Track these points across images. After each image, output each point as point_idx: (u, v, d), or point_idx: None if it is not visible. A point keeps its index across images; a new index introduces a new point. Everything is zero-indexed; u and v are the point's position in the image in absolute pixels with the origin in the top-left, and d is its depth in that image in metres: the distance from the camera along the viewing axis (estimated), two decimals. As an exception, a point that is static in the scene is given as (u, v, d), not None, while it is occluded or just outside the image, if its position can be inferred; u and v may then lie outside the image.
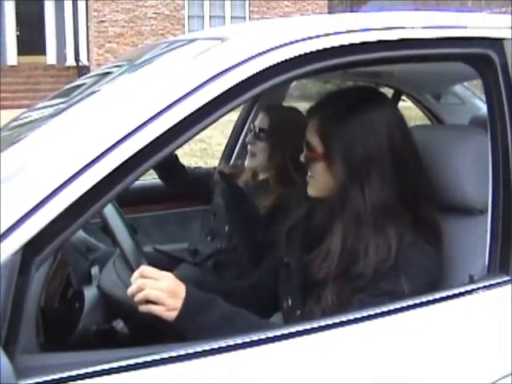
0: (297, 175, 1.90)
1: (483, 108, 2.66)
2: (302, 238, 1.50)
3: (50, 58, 17.18)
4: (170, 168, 2.45)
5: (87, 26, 16.44)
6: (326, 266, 1.36)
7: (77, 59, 16.59)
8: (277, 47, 1.14)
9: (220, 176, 2.22)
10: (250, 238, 2.09)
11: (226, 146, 3.04)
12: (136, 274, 1.29)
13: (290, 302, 1.48)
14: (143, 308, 1.26)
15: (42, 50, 17.10)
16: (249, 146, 2.23)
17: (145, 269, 1.30)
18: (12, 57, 16.84)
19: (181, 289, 1.28)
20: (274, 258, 1.60)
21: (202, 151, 8.47)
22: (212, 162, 6.71)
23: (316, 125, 1.41)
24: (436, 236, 1.38)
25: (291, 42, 1.15)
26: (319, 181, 1.42)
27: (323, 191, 1.43)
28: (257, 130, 2.21)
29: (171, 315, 1.26)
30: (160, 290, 1.25)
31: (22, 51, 16.86)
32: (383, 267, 1.29)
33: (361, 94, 1.50)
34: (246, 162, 2.25)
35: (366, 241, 1.32)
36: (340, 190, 1.37)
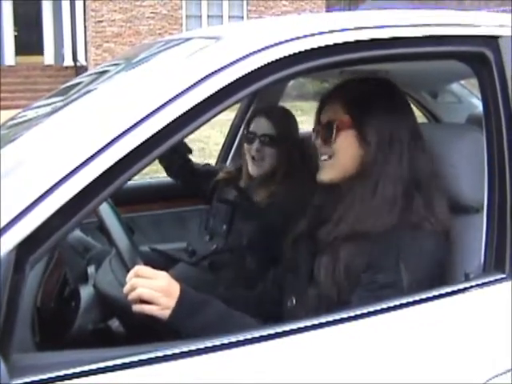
0: (304, 166, 1.91)
1: (480, 106, 2.66)
2: (310, 238, 1.50)
3: (48, 58, 17.15)
4: (176, 159, 2.44)
5: (85, 26, 16.41)
6: (336, 232, 1.39)
7: (75, 59, 16.56)
8: (271, 46, 1.14)
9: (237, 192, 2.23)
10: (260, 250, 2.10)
11: (223, 146, 3.03)
12: (131, 273, 1.30)
13: (294, 300, 1.48)
14: (136, 307, 1.26)
15: (39, 50, 17.07)
16: (254, 154, 2.18)
17: (139, 268, 1.31)
18: (10, 57, 16.81)
19: (175, 288, 1.28)
20: (281, 268, 1.60)
21: (200, 151, 8.47)
22: (210, 161, 6.71)
23: (341, 103, 1.45)
24: (443, 226, 1.38)
25: (286, 41, 1.15)
26: (342, 156, 1.43)
27: (342, 171, 1.43)
28: (261, 136, 2.18)
29: (164, 314, 1.26)
30: (153, 288, 1.26)
31: (19, 51, 16.83)
32: (382, 228, 1.33)
33: (379, 82, 1.56)
34: (253, 170, 2.21)
35: (372, 205, 1.36)
36: (366, 157, 1.40)
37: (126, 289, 1.28)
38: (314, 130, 1.52)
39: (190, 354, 1.03)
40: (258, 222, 2.10)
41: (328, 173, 1.45)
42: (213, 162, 3.03)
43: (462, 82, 3.06)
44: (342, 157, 1.43)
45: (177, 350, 1.03)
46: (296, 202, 1.69)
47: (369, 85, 1.51)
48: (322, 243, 1.42)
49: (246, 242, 2.11)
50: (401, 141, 1.40)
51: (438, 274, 1.34)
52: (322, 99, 1.52)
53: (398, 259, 1.29)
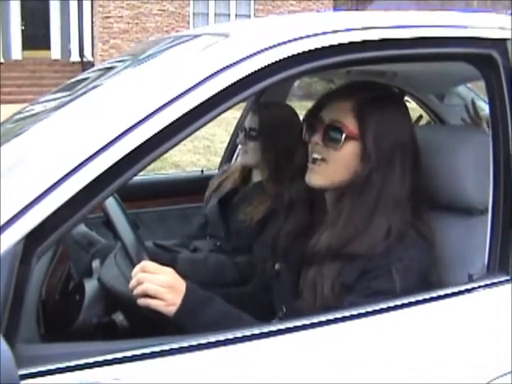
0: (290, 172, 1.87)
1: (486, 109, 2.66)
2: (292, 240, 1.48)
3: (55, 53, 17.17)
4: None
5: (92, 22, 16.43)
6: (323, 241, 1.35)
7: (81, 55, 16.57)
8: (279, 44, 1.14)
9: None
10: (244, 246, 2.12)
11: (229, 144, 3.04)
12: (137, 268, 1.30)
13: (284, 310, 1.47)
14: (141, 302, 1.27)
15: (46, 45, 17.10)
16: (240, 146, 2.26)
17: (146, 263, 1.31)
18: (17, 51, 16.84)
19: (181, 284, 1.29)
20: (266, 266, 1.59)
21: (205, 148, 8.48)
22: (215, 159, 6.72)
23: (352, 105, 1.37)
24: (428, 229, 1.38)
25: (294, 39, 1.15)
26: (339, 164, 1.37)
27: (334, 179, 1.38)
28: (247, 130, 2.21)
29: (170, 310, 1.26)
30: (159, 284, 1.26)
31: (26, 46, 16.86)
32: (375, 251, 1.29)
33: (388, 88, 1.54)
34: (239, 159, 2.29)
35: (369, 223, 1.33)
36: (363, 172, 1.35)
37: (132, 283, 1.28)
38: (307, 124, 1.44)
39: (195, 348, 1.03)
40: (252, 225, 2.11)
41: (319, 178, 1.39)
42: (218, 159, 3.03)
43: (469, 85, 3.06)
44: (339, 165, 1.37)
45: (181, 344, 1.03)
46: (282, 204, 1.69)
47: (379, 90, 1.46)
48: (306, 258, 1.39)
49: (244, 245, 2.12)
50: (404, 155, 1.37)
51: (425, 282, 1.32)
52: (325, 95, 1.45)
53: (390, 267, 1.27)
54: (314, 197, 1.46)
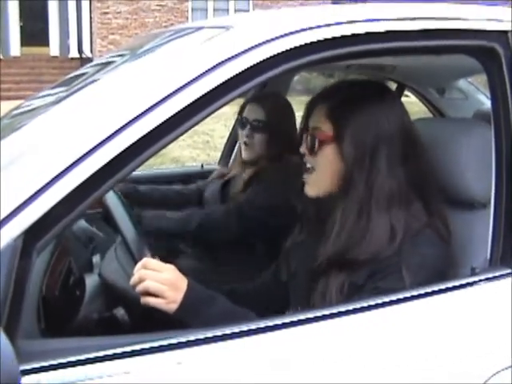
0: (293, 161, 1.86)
1: (487, 103, 2.65)
2: (306, 245, 1.48)
3: (53, 49, 17.12)
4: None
5: (90, 18, 16.39)
6: (325, 252, 1.34)
7: (80, 51, 16.55)
8: (282, 36, 1.13)
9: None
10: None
11: (228, 139, 3.03)
12: (139, 265, 1.29)
13: (299, 310, 1.46)
14: (143, 300, 1.26)
15: (45, 42, 17.05)
16: (245, 139, 2.21)
17: (148, 260, 1.30)
18: (15, 48, 16.80)
19: (182, 282, 1.28)
20: (279, 266, 1.60)
21: (205, 144, 8.48)
22: (214, 154, 6.72)
23: (326, 110, 1.38)
24: (445, 226, 1.36)
25: (297, 31, 1.14)
26: (324, 171, 1.38)
27: (325, 186, 1.39)
28: (252, 122, 2.19)
29: (171, 308, 1.25)
30: (160, 282, 1.25)
31: (25, 42, 16.81)
32: (383, 255, 1.28)
33: (368, 84, 1.50)
34: (245, 154, 2.23)
35: (366, 227, 1.31)
36: (347, 173, 1.34)
37: (133, 280, 1.27)
38: (301, 135, 1.46)
39: (194, 343, 1.03)
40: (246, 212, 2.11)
41: (312, 188, 1.41)
42: (217, 154, 3.01)
43: (469, 79, 3.05)
44: (323, 172, 1.38)
45: (181, 340, 1.03)
46: (279, 185, 1.72)
47: (356, 89, 1.43)
48: (313, 271, 1.38)
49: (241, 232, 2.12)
50: (391, 149, 1.33)
51: (439, 278, 1.30)
52: (309, 103, 1.47)
53: (401, 267, 1.26)
54: (319, 207, 1.44)
